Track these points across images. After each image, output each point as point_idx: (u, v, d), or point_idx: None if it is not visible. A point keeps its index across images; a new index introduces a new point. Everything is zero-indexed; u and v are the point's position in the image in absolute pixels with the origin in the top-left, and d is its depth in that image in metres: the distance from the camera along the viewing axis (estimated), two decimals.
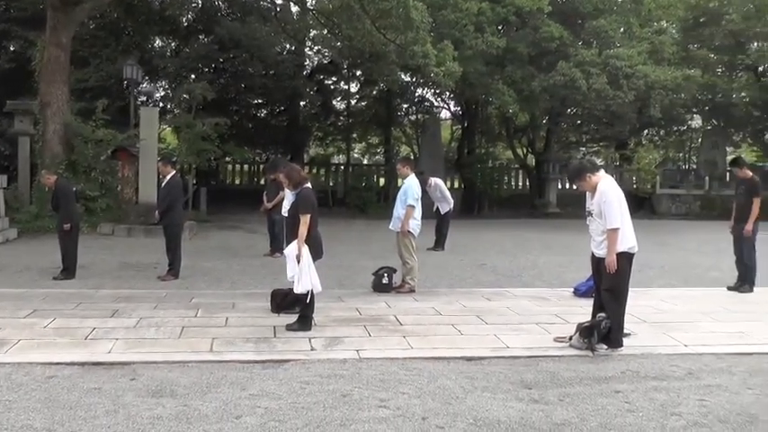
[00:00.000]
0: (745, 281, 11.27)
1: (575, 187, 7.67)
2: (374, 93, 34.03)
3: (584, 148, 37.64)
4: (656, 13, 31.57)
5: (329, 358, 6.70)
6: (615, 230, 7.09)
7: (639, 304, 9.49)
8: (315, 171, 33.65)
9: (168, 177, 11.76)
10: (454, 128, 39.49)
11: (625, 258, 7.19)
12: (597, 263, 7.43)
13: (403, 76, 29.20)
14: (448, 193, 16.73)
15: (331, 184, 32.90)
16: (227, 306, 9.04)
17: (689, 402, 5.66)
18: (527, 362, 6.73)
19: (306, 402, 5.40)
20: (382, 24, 21.16)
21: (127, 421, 4.97)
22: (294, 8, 30.60)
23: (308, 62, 33.92)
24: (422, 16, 20.57)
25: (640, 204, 31.53)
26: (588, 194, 7.50)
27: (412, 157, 34.70)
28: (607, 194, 7.17)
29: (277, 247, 13.62)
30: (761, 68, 35.68)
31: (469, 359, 6.78)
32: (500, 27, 27.55)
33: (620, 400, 5.68)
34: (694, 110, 36.58)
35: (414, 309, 9.18)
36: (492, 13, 25.63)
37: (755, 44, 34.03)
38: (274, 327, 7.83)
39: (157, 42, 30.90)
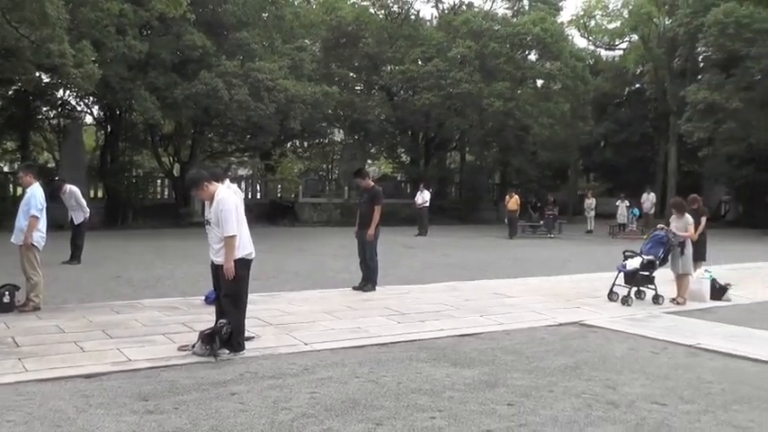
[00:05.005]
0: (368, 281, 12.22)
1: (194, 196, 7.76)
2: (10, 93, 31.16)
3: (233, 158, 38.12)
4: (299, 30, 33.33)
5: None
6: (232, 238, 7.29)
7: (267, 308, 9.91)
8: None
9: None
10: (99, 134, 37.79)
11: (243, 265, 7.43)
12: (216, 270, 7.58)
13: (43, 77, 27.26)
14: (83, 202, 15.86)
15: None
16: None
17: (300, 396, 6.01)
18: (148, 373, 6.65)
19: None
20: (15, 17, 19.52)
21: None
22: None
23: None
24: (58, 12, 19.25)
25: (284, 213, 32.81)
26: (206, 203, 7.65)
27: (53, 165, 32.71)
28: (224, 203, 7.35)
29: None
30: (393, 89, 39.18)
31: (88, 377, 6.51)
32: (143, 31, 26.89)
33: (234, 401, 5.84)
34: (335, 124, 39.05)
35: (35, 328, 8.60)
36: (134, 15, 24.82)
37: (388, 67, 37.32)
38: None
39: None
